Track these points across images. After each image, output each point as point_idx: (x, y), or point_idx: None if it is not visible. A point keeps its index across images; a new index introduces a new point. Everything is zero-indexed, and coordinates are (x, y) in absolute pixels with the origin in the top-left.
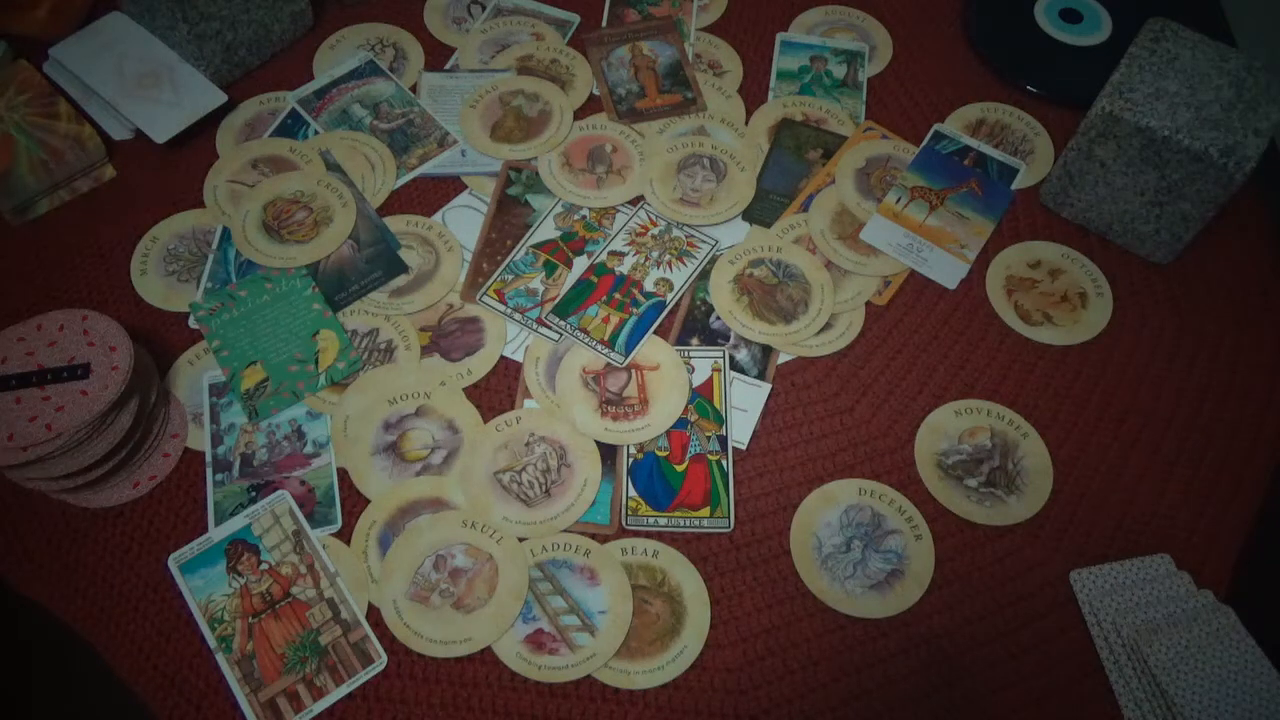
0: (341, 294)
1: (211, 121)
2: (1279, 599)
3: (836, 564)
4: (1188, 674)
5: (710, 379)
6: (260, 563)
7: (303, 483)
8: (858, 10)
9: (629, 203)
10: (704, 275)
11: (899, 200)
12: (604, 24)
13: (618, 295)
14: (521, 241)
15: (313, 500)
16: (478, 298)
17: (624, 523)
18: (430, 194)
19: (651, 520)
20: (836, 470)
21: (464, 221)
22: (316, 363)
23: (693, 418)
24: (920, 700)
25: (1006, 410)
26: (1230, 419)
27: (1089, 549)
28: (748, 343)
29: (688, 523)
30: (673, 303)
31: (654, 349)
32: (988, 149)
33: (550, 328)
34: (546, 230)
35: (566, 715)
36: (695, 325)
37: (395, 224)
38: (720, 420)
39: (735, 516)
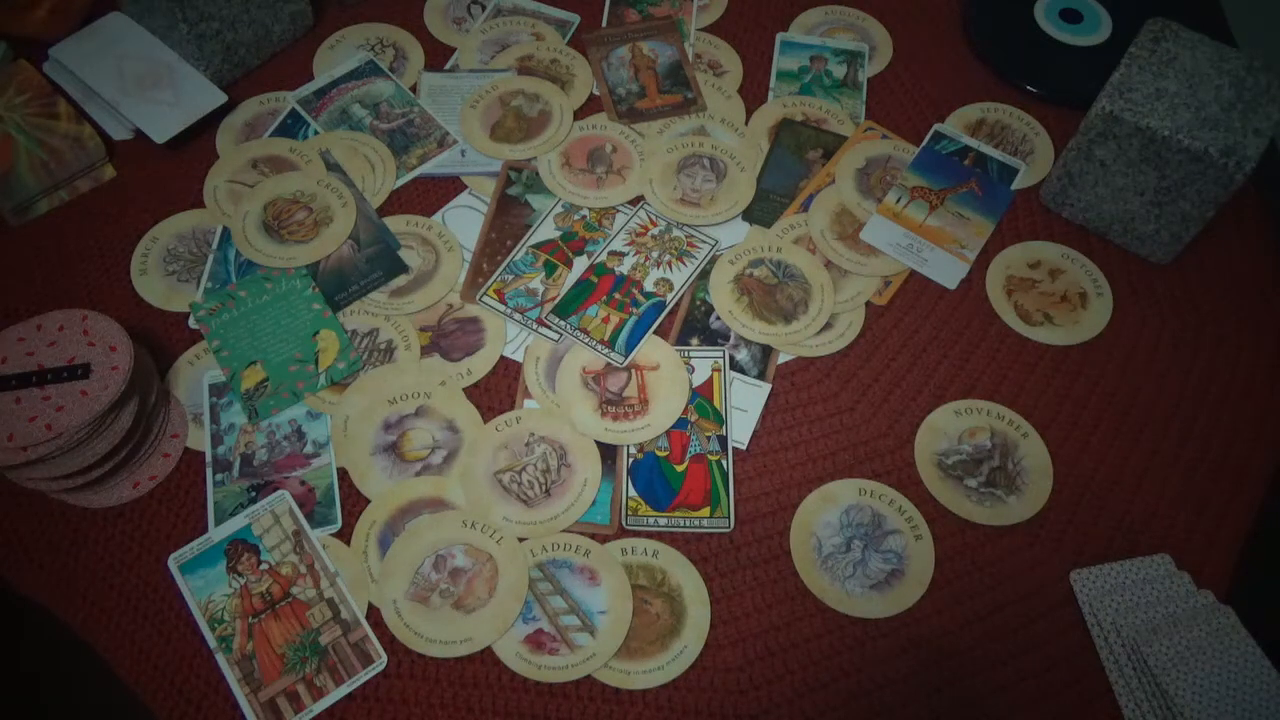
0: (341, 294)
1: (211, 121)
2: (1279, 599)
3: (836, 564)
4: (1188, 674)
5: (710, 379)
6: (260, 563)
7: (303, 483)
8: (858, 10)
9: (629, 203)
10: (704, 275)
11: (899, 200)
12: (604, 24)
13: (618, 295)
14: (521, 241)
15: (313, 500)
16: (478, 298)
17: (624, 523)
18: (430, 194)
19: (651, 520)
20: (836, 470)
21: (464, 221)
22: (316, 363)
23: (693, 418)
24: (920, 700)
25: (1006, 410)
26: (1230, 419)
27: (1089, 549)
28: (748, 343)
29: (688, 523)
30: (673, 303)
31: (654, 349)
32: (988, 149)
33: (550, 328)
34: (546, 230)
35: (566, 715)
36: (695, 325)
37: (395, 224)
38: (720, 420)
39: (735, 516)
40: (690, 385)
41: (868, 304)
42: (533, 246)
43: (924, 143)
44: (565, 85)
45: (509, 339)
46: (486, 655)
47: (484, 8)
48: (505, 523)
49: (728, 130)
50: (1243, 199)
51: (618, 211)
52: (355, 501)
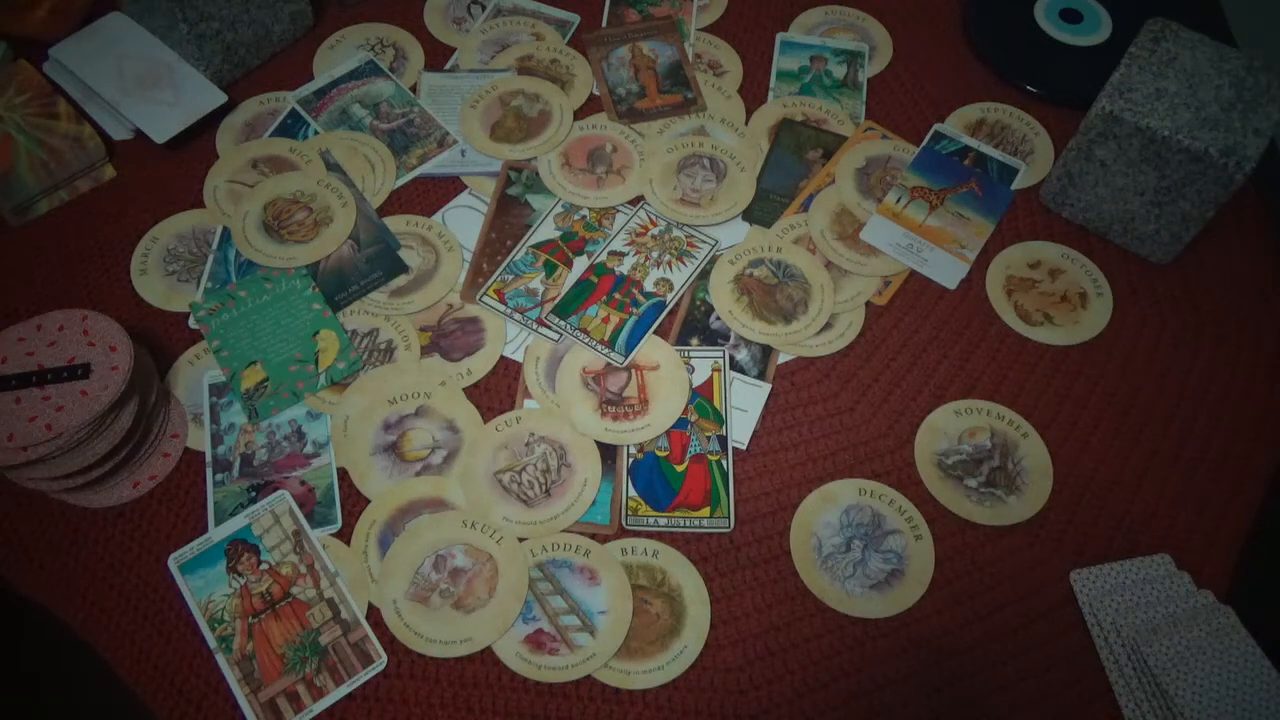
0: (341, 294)
1: (211, 121)
2: (1279, 599)
3: (836, 564)
4: (1188, 674)
5: (710, 379)
6: (260, 563)
7: (303, 483)
8: (858, 10)
9: (629, 203)
10: (704, 275)
11: (899, 200)
12: (604, 24)
13: (618, 295)
14: (521, 241)
15: (313, 500)
16: (478, 298)
17: (624, 523)
18: (430, 194)
19: (651, 520)
20: (836, 470)
21: (464, 221)
22: (316, 363)
23: (693, 418)
24: (920, 700)
25: (1006, 410)
26: (1230, 419)
27: (1089, 549)
28: (748, 343)
29: (688, 523)
30: (673, 303)
31: (654, 349)
32: (988, 149)
33: (550, 328)
34: (546, 230)
35: (566, 715)
36: (695, 325)
37: (395, 224)
38: (720, 420)
39: (735, 516)
40: (690, 385)
41: (868, 304)
42: (533, 246)
43: (924, 143)
44: (565, 85)
45: (509, 339)
46: (486, 655)
47: (484, 8)
48: (505, 523)
49: (728, 130)
50: (1243, 199)
51: (618, 211)
52: (355, 501)
